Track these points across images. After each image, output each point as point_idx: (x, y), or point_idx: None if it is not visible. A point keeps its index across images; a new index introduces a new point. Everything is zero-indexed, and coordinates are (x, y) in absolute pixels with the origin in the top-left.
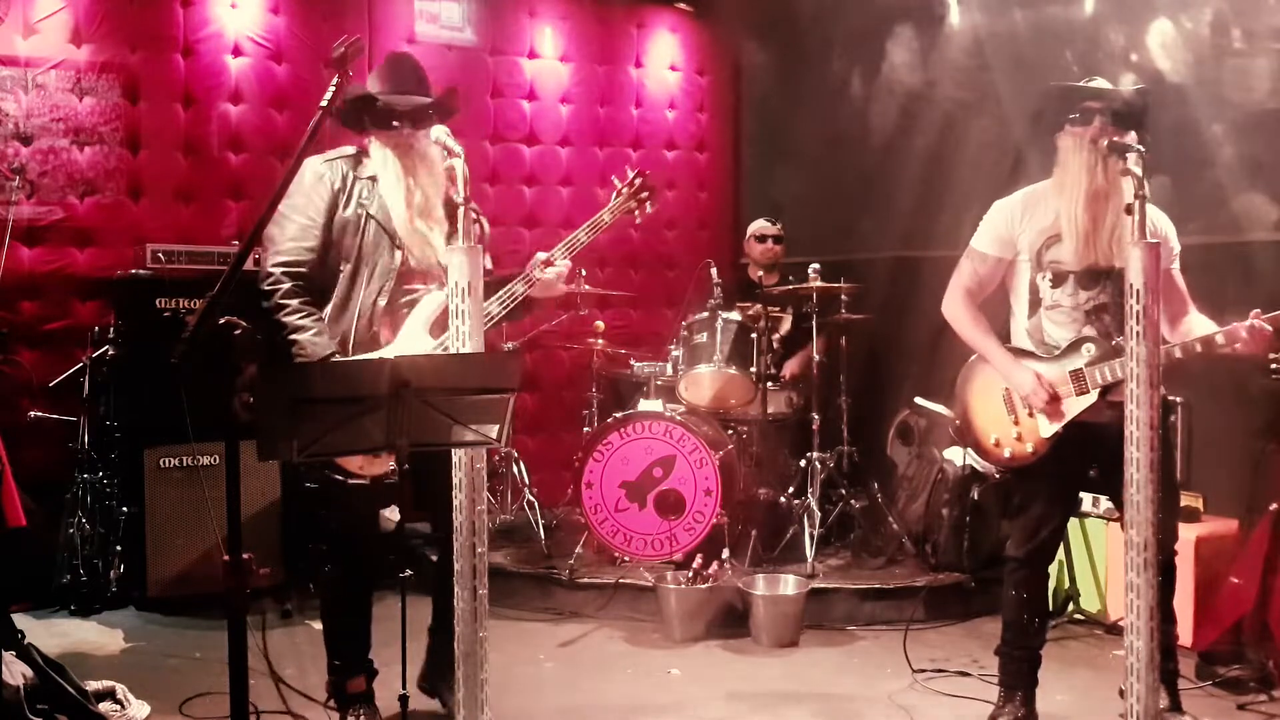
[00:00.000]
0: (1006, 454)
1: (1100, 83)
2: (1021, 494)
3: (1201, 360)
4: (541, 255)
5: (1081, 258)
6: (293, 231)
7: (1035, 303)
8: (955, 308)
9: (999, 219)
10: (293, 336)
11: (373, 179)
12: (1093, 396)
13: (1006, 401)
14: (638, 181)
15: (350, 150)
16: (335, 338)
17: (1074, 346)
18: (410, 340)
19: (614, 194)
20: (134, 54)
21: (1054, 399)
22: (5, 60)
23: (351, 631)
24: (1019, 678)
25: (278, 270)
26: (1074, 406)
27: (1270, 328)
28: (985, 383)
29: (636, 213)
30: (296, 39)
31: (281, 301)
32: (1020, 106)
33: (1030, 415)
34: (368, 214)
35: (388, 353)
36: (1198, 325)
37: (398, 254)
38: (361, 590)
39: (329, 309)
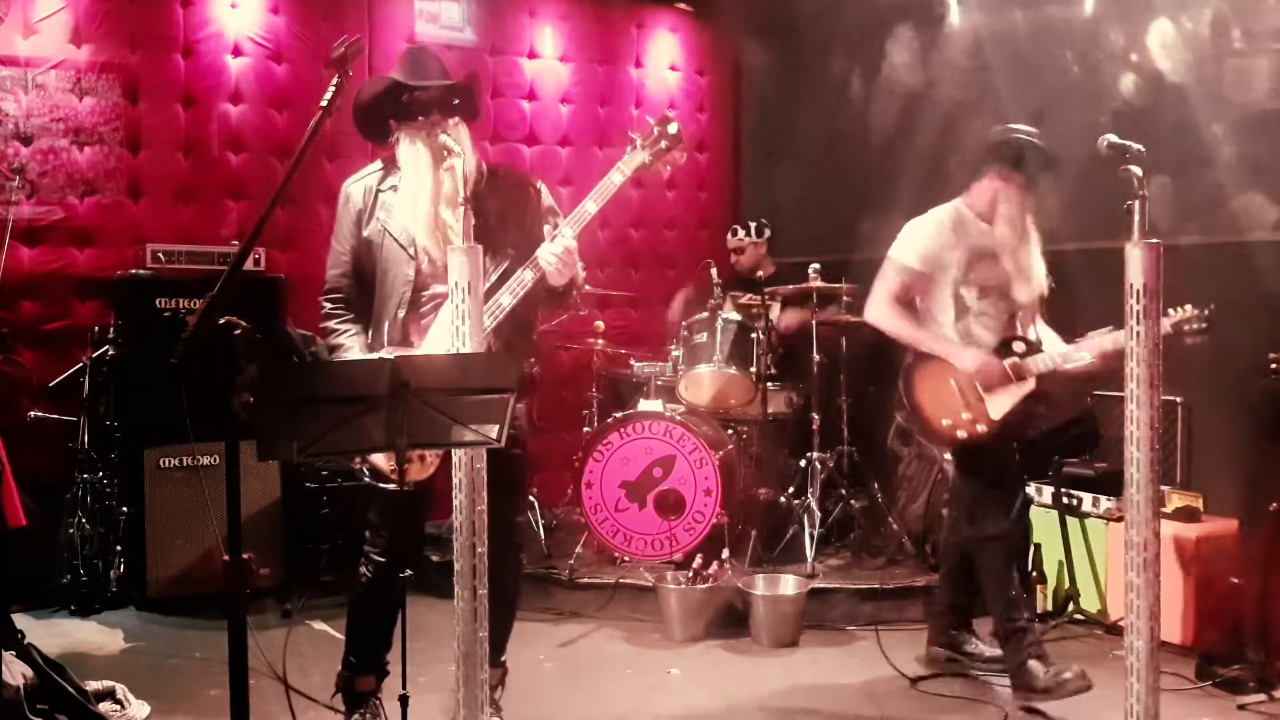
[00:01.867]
0: (961, 435)
1: (1027, 131)
2: (989, 469)
3: (1202, 359)
4: (550, 229)
5: (1008, 283)
6: (331, 260)
7: (963, 310)
8: (884, 313)
9: (928, 239)
10: (335, 355)
11: (394, 189)
12: (1031, 384)
13: (958, 387)
14: (656, 130)
15: (377, 166)
16: (375, 351)
17: (1005, 344)
18: (437, 342)
19: (628, 148)
20: (134, 54)
21: (1005, 376)
22: (5, 60)
23: (376, 628)
24: (1034, 646)
25: (323, 299)
26: (1018, 391)
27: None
28: (932, 376)
29: (662, 166)
30: (296, 39)
31: (324, 325)
32: (1020, 106)
33: (980, 400)
34: (385, 229)
35: None
36: (1045, 331)
37: (412, 265)
38: (391, 597)
39: (371, 325)
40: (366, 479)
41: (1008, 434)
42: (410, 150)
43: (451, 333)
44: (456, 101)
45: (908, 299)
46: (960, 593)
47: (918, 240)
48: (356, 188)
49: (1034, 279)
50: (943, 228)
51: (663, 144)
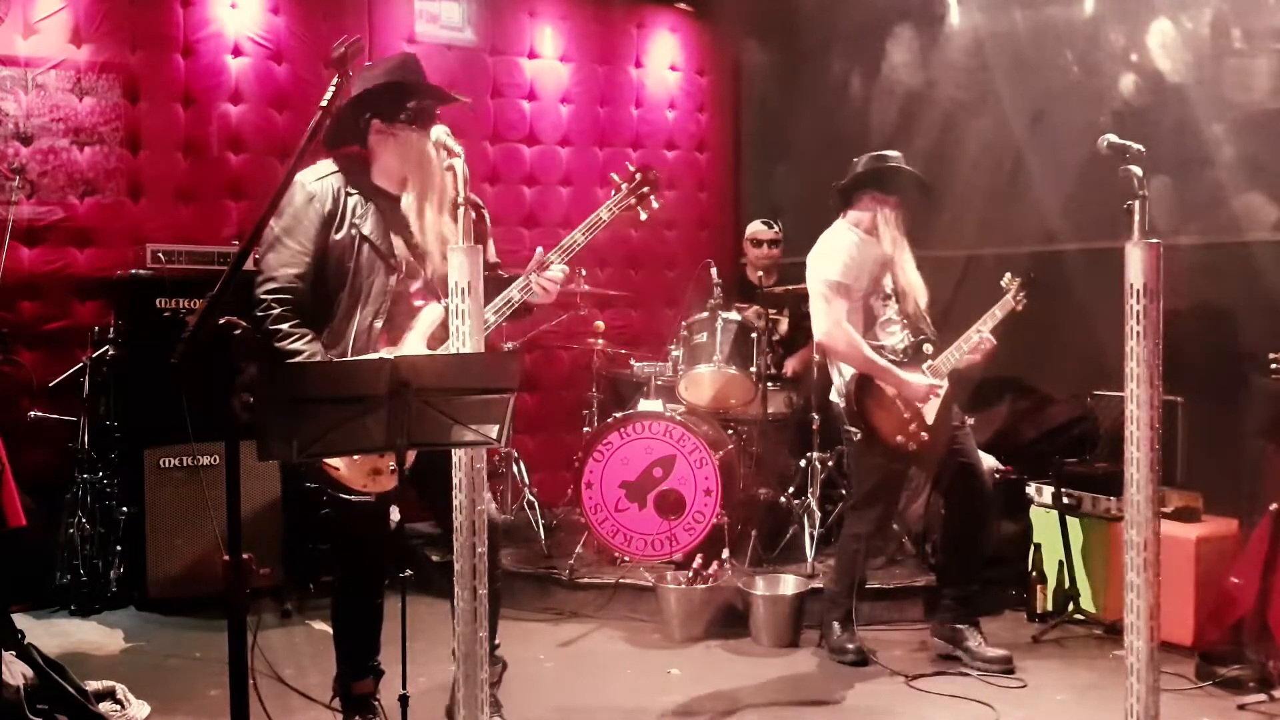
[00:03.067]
0: (912, 447)
1: (893, 157)
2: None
3: (1202, 360)
4: (541, 252)
5: (901, 296)
6: (284, 258)
7: (870, 320)
8: (842, 334)
9: (847, 254)
10: (290, 361)
11: (364, 195)
12: (945, 383)
13: (901, 404)
14: (638, 177)
15: (332, 166)
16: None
17: (916, 348)
18: (409, 353)
19: (613, 190)
20: (134, 54)
21: (934, 391)
22: (5, 60)
23: (359, 635)
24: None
25: (268, 297)
26: (940, 391)
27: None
28: (878, 395)
29: (641, 210)
30: (296, 39)
31: (273, 327)
32: (1020, 106)
33: (918, 411)
34: (360, 235)
35: None
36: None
37: (392, 275)
38: (370, 596)
39: (325, 334)
40: (330, 491)
41: (938, 436)
42: (410, 153)
43: (452, 332)
44: (438, 112)
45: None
46: (963, 586)
47: (839, 256)
48: (321, 186)
49: (918, 287)
50: (853, 245)
51: (644, 189)
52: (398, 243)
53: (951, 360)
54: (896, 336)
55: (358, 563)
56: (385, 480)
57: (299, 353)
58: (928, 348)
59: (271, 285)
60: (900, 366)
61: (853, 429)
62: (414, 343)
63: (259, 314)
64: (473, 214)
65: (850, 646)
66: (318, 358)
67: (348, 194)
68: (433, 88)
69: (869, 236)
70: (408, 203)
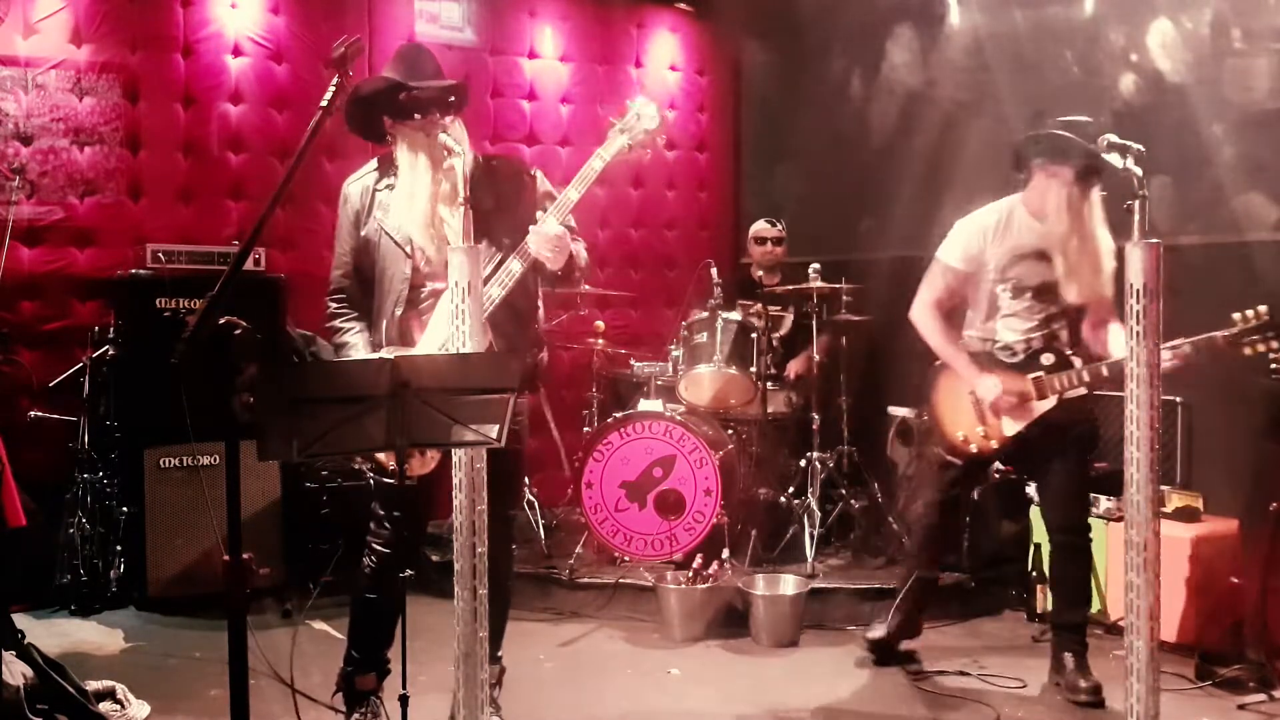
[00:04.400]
0: (973, 449)
1: (1076, 122)
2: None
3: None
4: (540, 216)
5: (1064, 289)
6: (335, 261)
7: (993, 310)
8: (925, 316)
9: (971, 238)
10: (341, 354)
11: (390, 188)
12: (1051, 401)
13: (974, 405)
14: (633, 111)
15: (373, 165)
16: (375, 349)
17: (1033, 357)
18: (436, 337)
19: (608, 132)
20: (134, 54)
21: (1018, 403)
22: (5, 60)
23: (377, 625)
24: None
25: (329, 299)
26: (1036, 409)
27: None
28: (952, 387)
29: (645, 151)
30: (296, 39)
31: (330, 325)
32: (1020, 106)
33: (996, 416)
34: (382, 228)
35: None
36: (1115, 334)
37: (408, 263)
38: (393, 590)
39: (370, 324)
40: (369, 473)
41: (1006, 453)
42: (407, 149)
43: (451, 332)
44: (452, 99)
45: (953, 300)
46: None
47: (960, 239)
48: (354, 188)
49: (1088, 279)
50: (986, 226)
51: (641, 125)
52: (415, 233)
53: (1064, 383)
54: (1017, 335)
55: (395, 542)
56: (419, 464)
57: (346, 344)
58: (1047, 358)
59: (331, 288)
60: (1001, 368)
61: (923, 409)
62: (441, 328)
63: (327, 316)
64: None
65: (870, 637)
66: (360, 347)
67: (376, 190)
68: (420, 85)
69: (1032, 217)
70: (399, 186)
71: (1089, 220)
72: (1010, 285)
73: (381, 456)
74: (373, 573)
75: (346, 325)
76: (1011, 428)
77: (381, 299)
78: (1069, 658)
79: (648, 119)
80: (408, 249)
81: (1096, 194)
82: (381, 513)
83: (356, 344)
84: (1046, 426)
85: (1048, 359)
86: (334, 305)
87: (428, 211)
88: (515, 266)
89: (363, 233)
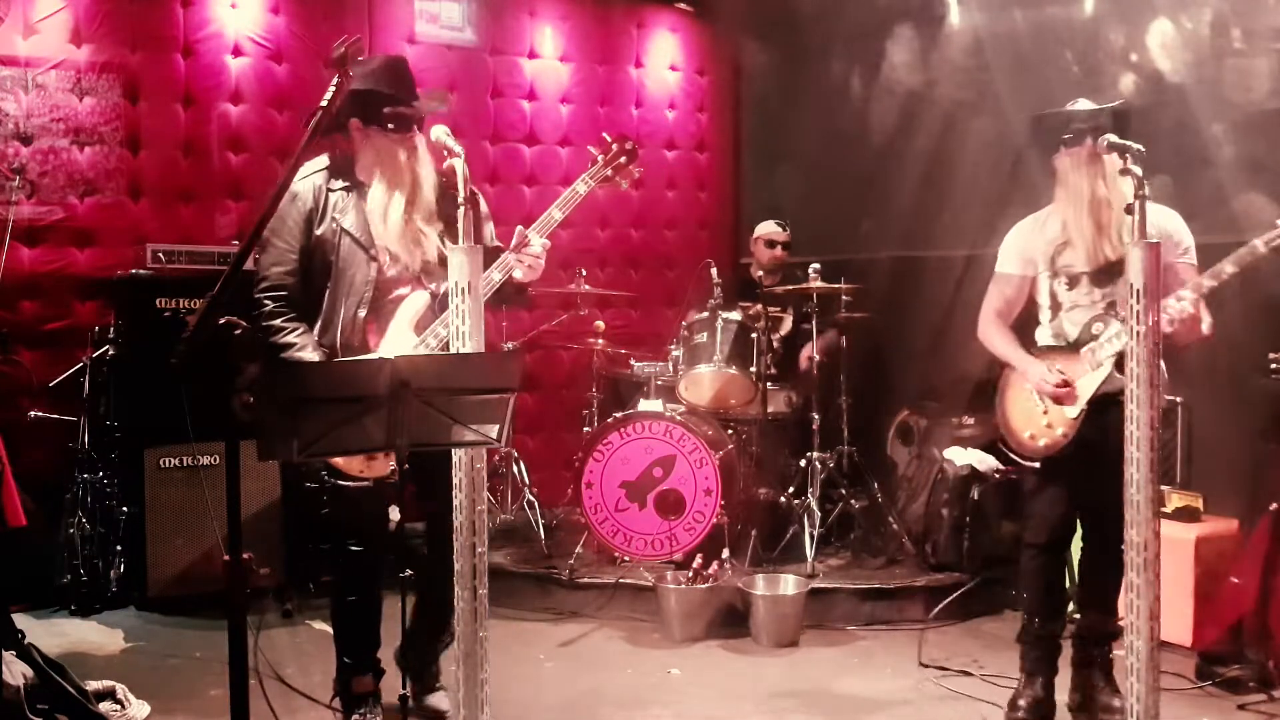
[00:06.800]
0: (1041, 444)
1: (1084, 103)
2: (1041, 479)
3: (1202, 360)
4: (521, 230)
5: (1091, 259)
6: (273, 257)
7: (1055, 307)
8: (987, 326)
9: (1016, 240)
10: (284, 355)
11: (346, 189)
12: (1106, 369)
13: (1034, 393)
14: (615, 147)
15: (323, 162)
16: (329, 351)
17: (1085, 331)
18: (396, 340)
19: (590, 163)
20: (134, 54)
21: (1064, 383)
22: (5, 60)
23: (360, 631)
24: (1039, 664)
25: (262, 295)
26: (1089, 385)
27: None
28: (1015, 385)
29: (620, 180)
30: (296, 39)
31: (268, 323)
32: (1020, 106)
33: (1056, 401)
34: (341, 229)
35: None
36: (1114, 330)
37: (373, 265)
38: (370, 590)
39: (317, 326)
40: (326, 478)
41: (1084, 437)
42: (382, 155)
43: (451, 332)
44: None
45: (1012, 310)
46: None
47: (1008, 245)
48: (304, 185)
49: (1110, 243)
50: (1025, 224)
51: (622, 159)
52: (391, 239)
53: (1112, 348)
54: (1080, 329)
55: (355, 552)
56: (380, 465)
57: (291, 345)
58: (1097, 328)
59: (264, 284)
60: (1057, 354)
61: (996, 427)
62: (400, 330)
63: (255, 312)
64: (471, 210)
65: (1021, 703)
66: (309, 348)
67: (329, 190)
68: (407, 103)
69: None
70: (374, 196)
71: (1100, 192)
72: (1064, 277)
73: (339, 461)
74: (346, 570)
75: (289, 325)
76: (1072, 410)
77: (336, 299)
78: (1097, 674)
79: (628, 153)
80: (371, 251)
81: (1108, 159)
82: (345, 516)
83: (305, 345)
84: (1106, 408)
85: (1097, 328)
86: (271, 304)
87: (401, 218)
88: (495, 277)
89: (317, 232)
